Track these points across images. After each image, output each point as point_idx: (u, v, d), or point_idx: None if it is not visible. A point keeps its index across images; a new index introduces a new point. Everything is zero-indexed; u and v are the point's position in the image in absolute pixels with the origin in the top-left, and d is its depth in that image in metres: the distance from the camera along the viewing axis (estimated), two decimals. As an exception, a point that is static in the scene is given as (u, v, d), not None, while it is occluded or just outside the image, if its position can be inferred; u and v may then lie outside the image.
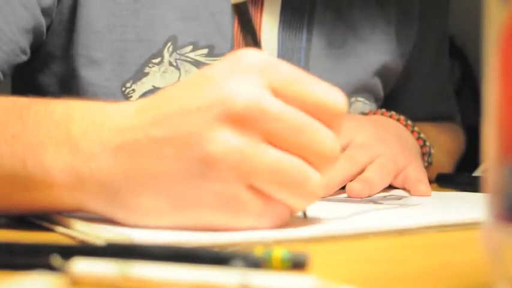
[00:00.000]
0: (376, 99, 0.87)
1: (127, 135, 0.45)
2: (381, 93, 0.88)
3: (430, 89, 0.98)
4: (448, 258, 0.43)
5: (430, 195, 0.71)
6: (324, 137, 0.45)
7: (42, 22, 0.71)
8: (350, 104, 0.83)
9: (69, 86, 0.74)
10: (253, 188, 0.44)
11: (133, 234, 0.43)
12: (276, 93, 0.44)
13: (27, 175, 0.47)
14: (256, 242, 0.43)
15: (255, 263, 0.34)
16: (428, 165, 0.83)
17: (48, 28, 0.73)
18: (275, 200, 0.45)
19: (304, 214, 0.51)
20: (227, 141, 0.43)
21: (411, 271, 0.39)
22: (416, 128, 0.83)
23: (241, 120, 0.43)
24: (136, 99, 0.72)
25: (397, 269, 0.40)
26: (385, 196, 0.69)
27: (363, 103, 0.85)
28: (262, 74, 0.44)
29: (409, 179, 0.73)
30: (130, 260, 0.34)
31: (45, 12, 0.71)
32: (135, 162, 0.44)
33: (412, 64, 0.93)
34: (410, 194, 0.72)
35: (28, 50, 0.71)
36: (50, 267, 0.35)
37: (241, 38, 0.76)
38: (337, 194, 0.69)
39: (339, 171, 0.69)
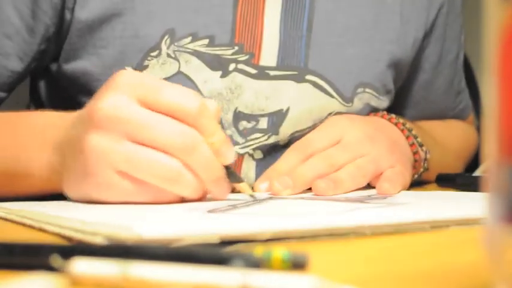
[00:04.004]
0: (386, 92, 0.86)
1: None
2: (391, 85, 0.87)
3: (441, 82, 0.97)
4: (448, 258, 0.43)
5: (392, 195, 0.70)
6: (170, 131, 0.57)
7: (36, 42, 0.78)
8: (356, 94, 0.83)
9: (80, 83, 0.78)
10: (122, 173, 0.57)
11: (136, 226, 0.43)
12: (142, 102, 0.57)
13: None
14: (260, 233, 0.44)
15: (255, 263, 0.34)
16: (424, 171, 0.83)
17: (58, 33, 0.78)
18: (141, 182, 0.57)
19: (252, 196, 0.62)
20: (95, 140, 0.57)
21: (411, 271, 0.39)
22: (413, 132, 0.82)
23: (104, 125, 0.57)
24: None
25: (397, 269, 0.40)
26: (369, 195, 0.69)
27: (370, 95, 0.84)
28: (128, 89, 0.57)
29: (381, 178, 0.73)
30: (131, 260, 0.34)
31: (49, 38, 0.78)
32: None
33: (423, 54, 0.92)
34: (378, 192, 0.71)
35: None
36: (50, 268, 0.35)
37: (242, 28, 0.77)
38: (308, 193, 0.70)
39: (311, 170, 0.70)
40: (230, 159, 0.60)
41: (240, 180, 0.62)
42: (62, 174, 0.61)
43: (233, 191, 0.63)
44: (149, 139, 0.57)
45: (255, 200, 0.62)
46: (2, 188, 0.66)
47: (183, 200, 0.59)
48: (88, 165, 0.57)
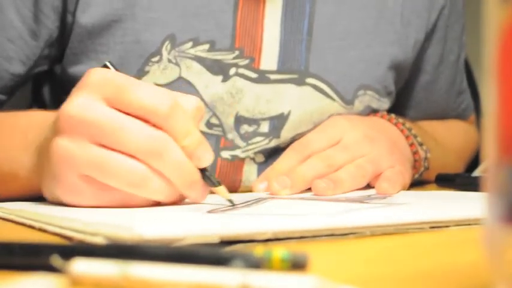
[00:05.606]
0: (387, 93, 0.86)
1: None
2: (392, 87, 0.87)
3: (443, 83, 0.97)
4: (448, 258, 0.43)
5: (391, 194, 0.70)
6: (136, 134, 0.54)
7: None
8: (357, 97, 0.83)
9: None
10: (87, 177, 0.55)
11: (136, 226, 0.43)
12: (109, 102, 0.55)
13: None
14: (260, 233, 0.44)
15: (255, 263, 0.34)
16: (425, 170, 0.83)
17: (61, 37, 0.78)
18: (107, 186, 0.55)
19: (231, 201, 0.58)
20: (60, 143, 0.55)
21: (411, 271, 0.39)
22: (413, 132, 0.82)
23: (68, 129, 0.55)
24: None
25: (397, 269, 0.40)
26: (369, 195, 0.69)
27: (371, 97, 0.84)
28: (96, 89, 0.55)
29: (380, 178, 0.73)
30: (131, 260, 0.34)
31: (51, 41, 0.78)
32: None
33: (424, 56, 0.92)
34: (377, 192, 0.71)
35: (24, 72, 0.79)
36: (50, 268, 0.35)
37: (242, 32, 0.77)
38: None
39: (310, 170, 0.71)
40: (205, 162, 0.58)
41: (216, 184, 0.59)
42: (41, 176, 0.59)
43: (236, 190, 0.63)
44: (115, 143, 0.54)
45: (255, 201, 0.62)
46: None
47: (157, 204, 0.57)
48: (55, 169, 0.56)
